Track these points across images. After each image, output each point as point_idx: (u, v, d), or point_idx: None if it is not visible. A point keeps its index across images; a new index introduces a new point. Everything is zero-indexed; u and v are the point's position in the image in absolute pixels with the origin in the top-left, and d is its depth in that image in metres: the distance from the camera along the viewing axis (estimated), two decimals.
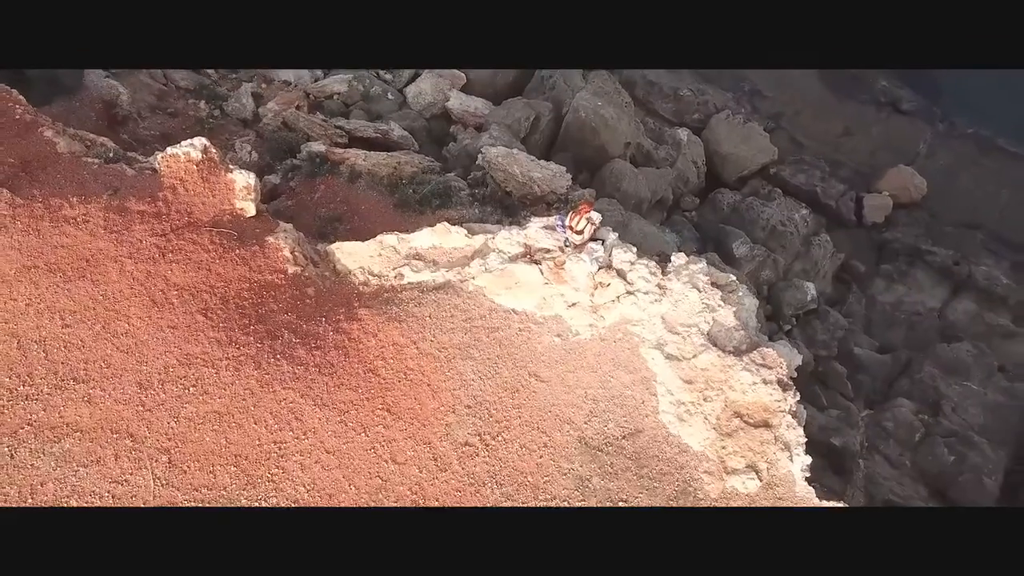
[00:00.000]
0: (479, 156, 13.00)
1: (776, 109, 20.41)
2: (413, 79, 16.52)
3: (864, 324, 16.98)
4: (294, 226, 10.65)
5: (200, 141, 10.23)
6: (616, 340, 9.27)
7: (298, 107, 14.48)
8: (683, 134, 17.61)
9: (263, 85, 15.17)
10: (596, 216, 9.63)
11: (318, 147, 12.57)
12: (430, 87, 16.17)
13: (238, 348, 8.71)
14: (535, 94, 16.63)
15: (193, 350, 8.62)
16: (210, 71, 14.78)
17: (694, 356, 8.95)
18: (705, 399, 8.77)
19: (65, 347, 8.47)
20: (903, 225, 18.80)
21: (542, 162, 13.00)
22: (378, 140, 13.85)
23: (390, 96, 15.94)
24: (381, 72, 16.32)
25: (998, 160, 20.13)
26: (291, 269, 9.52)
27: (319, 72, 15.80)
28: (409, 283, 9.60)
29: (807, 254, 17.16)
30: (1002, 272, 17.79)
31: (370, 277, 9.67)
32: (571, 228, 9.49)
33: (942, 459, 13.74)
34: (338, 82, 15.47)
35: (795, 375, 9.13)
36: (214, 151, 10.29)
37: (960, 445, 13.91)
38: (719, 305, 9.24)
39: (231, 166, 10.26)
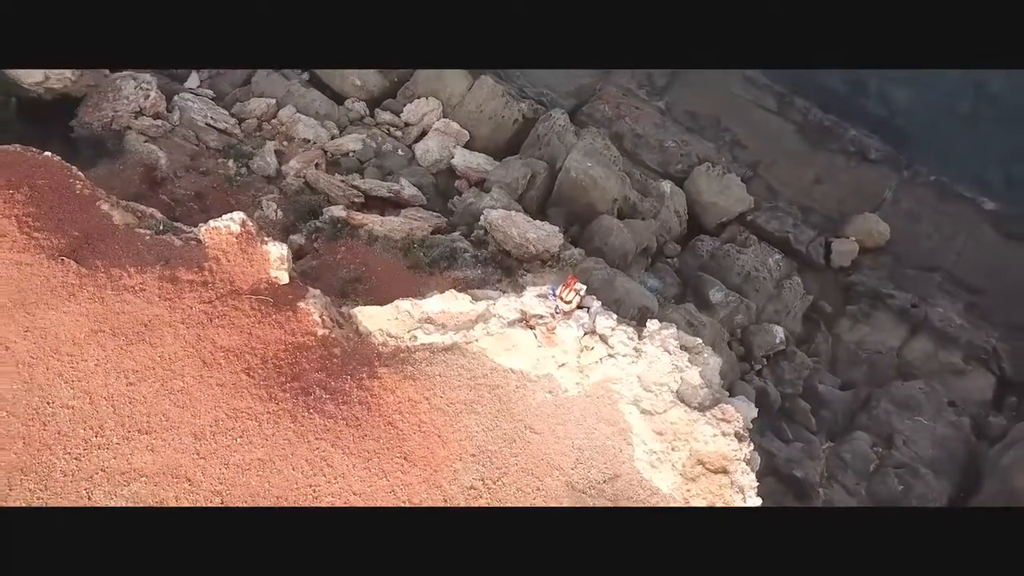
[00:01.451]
0: (482, 217, 14.60)
1: (754, 158, 22.04)
2: (420, 137, 18.16)
3: (830, 361, 18.61)
4: (319, 285, 12.17)
5: (239, 216, 11.72)
6: (599, 396, 10.80)
7: (317, 165, 16.02)
8: (666, 186, 19.26)
9: (284, 143, 16.69)
10: (582, 287, 11.20)
11: (339, 212, 14.11)
12: (436, 145, 17.76)
13: (277, 403, 10.20)
14: (532, 150, 18.26)
15: (239, 405, 10.10)
16: (236, 131, 16.30)
17: (665, 411, 10.50)
18: (673, 449, 10.31)
19: (130, 403, 9.92)
20: (867, 268, 20.45)
21: (537, 222, 14.59)
22: (391, 199, 15.44)
23: (400, 152, 17.52)
24: (392, 129, 17.93)
25: (956, 206, 21.81)
26: (320, 331, 11.00)
27: (335, 130, 17.36)
28: (422, 344, 11.10)
29: (779, 296, 18.80)
30: (956, 313, 19.47)
31: (388, 338, 11.17)
32: (561, 298, 11.08)
33: (892, 488, 15.36)
34: (352, 140, 17.02)
35: (751, 427, 10.70)
36: (251, 224, 11.79)
37: (908, 475, 15.54)
38: (686, 366, 10.79)
39: (266, 238, 11.75)
